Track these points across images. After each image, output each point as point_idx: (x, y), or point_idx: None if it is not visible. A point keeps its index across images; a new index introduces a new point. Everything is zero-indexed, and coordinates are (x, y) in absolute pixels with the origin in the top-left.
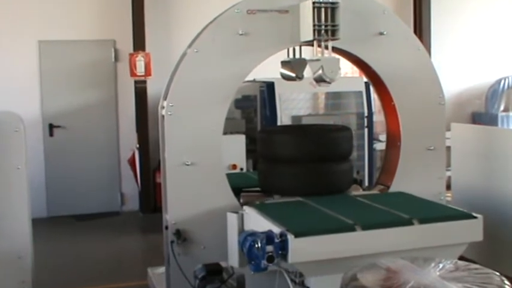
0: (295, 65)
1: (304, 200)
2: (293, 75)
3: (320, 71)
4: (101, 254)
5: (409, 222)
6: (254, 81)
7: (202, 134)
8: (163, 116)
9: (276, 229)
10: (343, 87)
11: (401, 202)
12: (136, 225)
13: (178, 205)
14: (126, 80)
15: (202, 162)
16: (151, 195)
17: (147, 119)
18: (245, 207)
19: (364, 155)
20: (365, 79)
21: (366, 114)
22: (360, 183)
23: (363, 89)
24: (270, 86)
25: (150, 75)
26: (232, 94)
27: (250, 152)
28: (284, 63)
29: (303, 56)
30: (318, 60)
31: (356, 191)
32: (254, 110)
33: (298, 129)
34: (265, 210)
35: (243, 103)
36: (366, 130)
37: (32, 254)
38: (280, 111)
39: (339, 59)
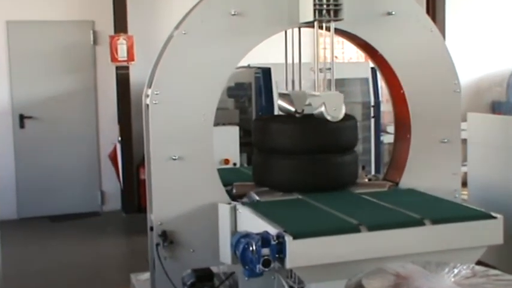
0: (295, 99)
1: (303, 198)
2: (292, 109)
3: (322, 108)
4: (79, 259)
5: (420, 223)
6: (248, 67)
7: (191, 125)
8: (147, 106)
9: (273, 230)
10: (347, 73)
11: (412, 200)
12: (118, 227)
13: (165, 204)
14: (106, 65)
15: (191, 156)
16: (135, 193)
17: (130, 109)
18: (238, 206)
19: (371, 149)
20: (371, 64)
21: (372, 103)
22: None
23: (369, 75)
24: (266, 73)
25: (133, 60)
26: (224, 81)
27: (244, 146)
28: (282, 96)
29: (303, 89)
30: (319, 96)
31: (361, 180)
32: (248, 99)
33: (298, 119)
34: (261, 209)
35: (236, 91)
36: (372, 121)
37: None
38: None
39: (342, 96)
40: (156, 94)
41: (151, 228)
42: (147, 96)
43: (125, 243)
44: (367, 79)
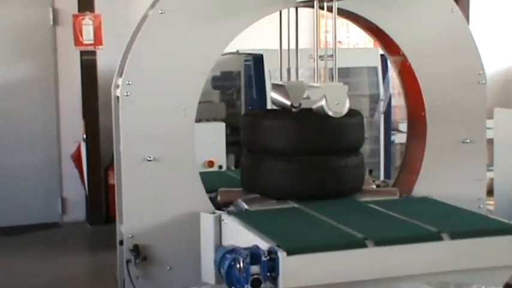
0: (291, 91)
1: (299, 206)
2: (287, 103)
3: (322, 102)
4: (35, 279)
5: (437, 237)
6: (237, 53)
7: (169, 121)
8: (118, 98)
9: (264, 244)
10: (352, 61)
11: (427, 210)
12: (82, 240)
13: (137, 213)
14: (69, 50)
15: (169, 157)
16: (102, 200)
17: (97, 102)
18: (223, 216)
19: (379, 150)
20: (381, 51)
21: (381, 96)
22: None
23: (378, 64)
24: (257, 60)
25: (100, 44)
26: (208, 69)
27: (231, 145)
28: (276, 88)
29: (300, 80)
30: (319, 87)
31: (368, 187)
32: (237, 91)
33: (294, 114)
34: (250, 220)
35: (222, 82)
36: (381, 117)
37: None
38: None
39: (346, 87)
40: (128, 84)
41: (121, 242)
42: (118, 86)
43: (90, 260)
44: (375, 68)
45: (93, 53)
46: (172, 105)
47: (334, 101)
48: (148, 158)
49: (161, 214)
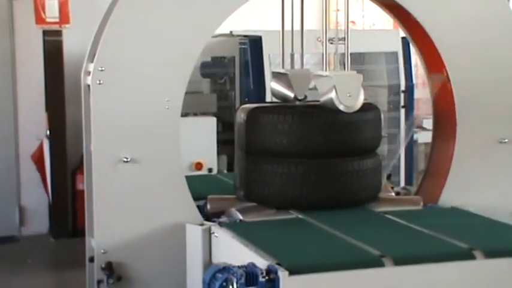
0: (295, 80)
1: (304, 217)
2: (290, 94)
3: (332, 94)
4: None
5: (467, 255)
6: (231, 35)
7: (150, 114)
8: (88, 87)
9: (261, 262)
10: (368, 46)
11: (457, 223)
12: (44, 257)
13: (111, 225)
14: (29, 29)
15: (149, 158)
16: (69, 210)
17: (63, 91)
18: (214, 228)
19: (400, 151)
20: (402, 34)
21: (402, 87)
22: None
23: (398, 48)
24: (255, 43)
25: (67, 22)
26: (197, 54)
27: (223, 144)
28: (277, 76)
29: (305, 67)
30: (328, 77)
31: (386, 194)
32: (230, 80)
33: (299, 108)
34: (245, 233)
35: (213, 69)
36: (402, 112)
37: None
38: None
39: (361, 77)
40: (101, 71)
41: (92, 259)
42: (88, 73)
43: (54, 279)
44: (395, 54)
45: (59, 32)
46: (154, 96)
47: (346, 93)
48: (125, 159)
49: (139, 226)
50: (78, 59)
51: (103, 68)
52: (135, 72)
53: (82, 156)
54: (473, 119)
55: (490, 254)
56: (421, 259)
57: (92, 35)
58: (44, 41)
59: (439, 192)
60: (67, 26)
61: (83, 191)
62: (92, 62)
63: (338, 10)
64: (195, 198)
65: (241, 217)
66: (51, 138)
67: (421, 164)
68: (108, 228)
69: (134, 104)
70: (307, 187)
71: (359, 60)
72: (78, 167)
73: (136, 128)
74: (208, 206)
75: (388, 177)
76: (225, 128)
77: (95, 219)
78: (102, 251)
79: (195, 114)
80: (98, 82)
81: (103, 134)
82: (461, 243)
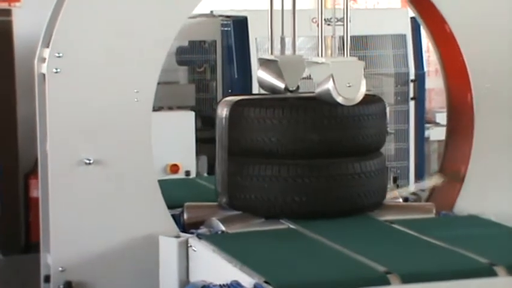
0: (286, 68)
1: (296, 228)
2: (280, 84)
3: (329, 84)
4: None
5: (488, 271)
6: (211, 15)
7: (116, 109)
8: (44, 76)
9: (247, 279)
10: (372, 27)
11: (474, 234)
12: None
13: (71, 238)
14: None
15: (115, 159)
16: (21, 221)
17: (13, 81)
18: (192, 241)
19: (408, 150)
20: (411, 13)
21: (412, 76)
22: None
23: (407, 31)
24: (239, 25)
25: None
26: (171, 38)
27: (203, 143)
28: (265, 64)
29: (298, 53)
30: (324, 64)
31: (392, 201)
32: (211, 68)
33: (290, 100)
34: (228, 246)
35: (190, 55)
36: (411, 105)
37: None
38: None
39: (362, 64)
40: (58, 57)
41: (47, 278)
42: (43, 60)
43: None
44: (403, 37)
45: (8, 12)
46: (121, 87)
47: (345, 83)
48: (87, 161)
49: (104, 239)
50: (31, 43)
51: (60, 54)
52: (97, 59)
53: (36, 158)
54: (493, 112)
55: None
56: (432, 276)
57: (47, 15)
58: None
59: (455, 198)
60: (17, 4)
61: (37, 199)
62: (48, 47)
63: None
64: (170, 207)
65: (223, 228)
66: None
67: (433, 165)
68: (66, 242)
69: (97, 96)
70: (301, 192)
71: (361, 45)
72: (32, 171)
73: (100, 125)
74: (185, 215)
75: (395, 180)
76: (205, 124)
77: (51, 232)
78: (60, 268)
79: (170, 108)
80: (54, 70)
81: (61, 132)
82: (480, 257)
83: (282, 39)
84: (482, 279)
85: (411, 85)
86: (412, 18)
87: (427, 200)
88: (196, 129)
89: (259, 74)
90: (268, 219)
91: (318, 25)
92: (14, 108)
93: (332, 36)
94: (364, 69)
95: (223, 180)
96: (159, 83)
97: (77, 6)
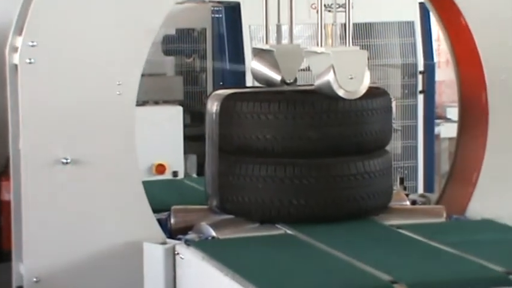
0: (282, 59)
1: (294, 233)
2: (276, 77)
3: (329, 76)
4: None
5: (504, 280)
6: (201, 1)
7: (96, 103)
8: (16, 67)
9: None
10: (376, 14)
11: (488, 240)
12: None
13: (46, 246)
14: None
15: (95, 159)
16: None
17: None
18: (179, 248)
19: (417, 148)
20: None
21: (420, 67)
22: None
23: (415, 18)
24: (232, 11)
25: None
26: (157, 26)
27: (192, 141)
28: (260, 54)
29: (295, 42)
30: (324, 54)
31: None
32: (201, 59)
33: (287, 94)
34: (219, 254)
35: (178, 44)
36: (420, 99)
37: None
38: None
39: (366, 54)
40: (32, 46)
41: None
42: (16, 50)
43: None
44: (411, 24)
45: None
46: (101, 79)
47: (347, 75)
48: (64, 160)
49: (83, 246)
50: (2, 31)
51: (34, 43)
52: (75, 48)
53: (8, 157)
54: (509, 107)
55: None
56: (442, 286)
57: (16, 1)
58: None
59: (467, 201)
60: None
61: (8, 202)
62: (20, 35)
63: None
64: (156, 210)
65: (214, 233)
66: None
67: (444, 165)
68: (41, 250)
69: (75, 90)
70: (298, 194)
71: (364, 33)
72: (3, 172)
73: (78, 121)
74: (172, 220)
75: (402, 181)
76: (193, 120)
77: (24, 239)
78: (34, 279)
79: (156, 103)
80: (27, 61)
81: (35, 129)
82: (495, 265)
83: (278, 27)
84: None
85: (420, 77)
86: (421, 4)
87: (437, 202)
88: (185, 126)
89: (253, 65)
90: (263, 223)
91: (317, 11)
92: None
93: (333, 24)
94: (368, 59)
95: (213, 181)
96: (143, 75)
97: None
